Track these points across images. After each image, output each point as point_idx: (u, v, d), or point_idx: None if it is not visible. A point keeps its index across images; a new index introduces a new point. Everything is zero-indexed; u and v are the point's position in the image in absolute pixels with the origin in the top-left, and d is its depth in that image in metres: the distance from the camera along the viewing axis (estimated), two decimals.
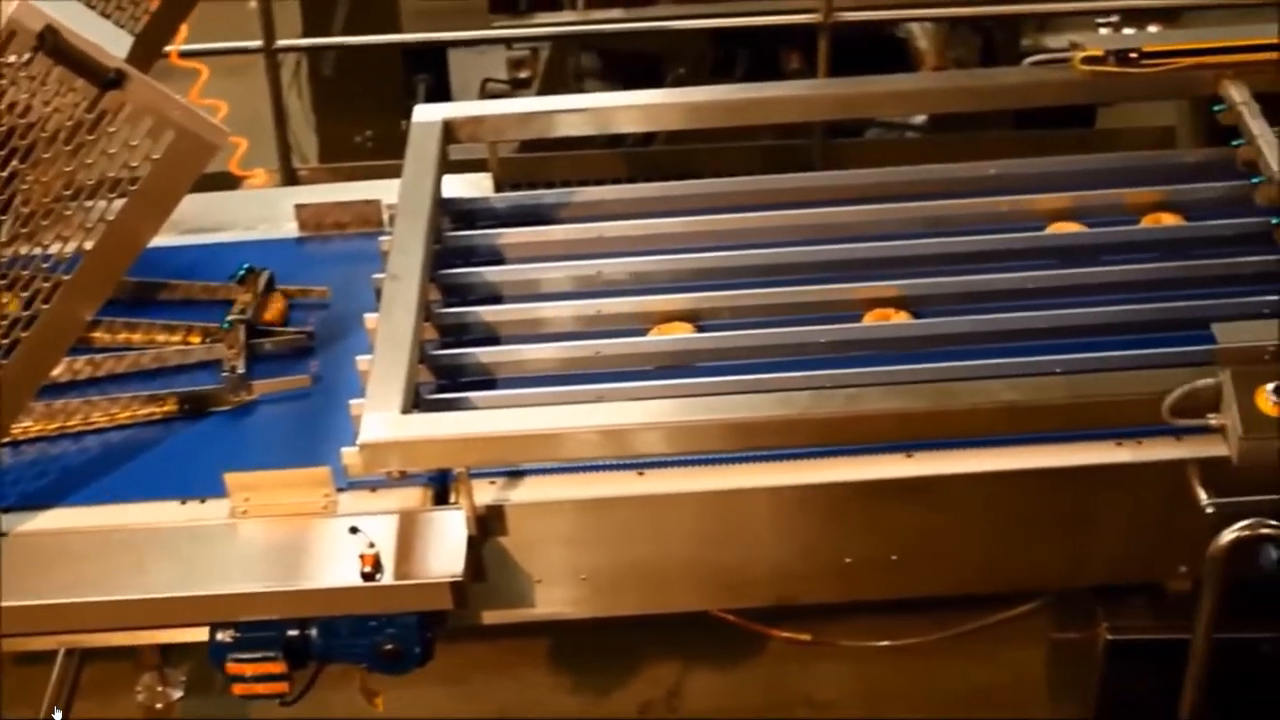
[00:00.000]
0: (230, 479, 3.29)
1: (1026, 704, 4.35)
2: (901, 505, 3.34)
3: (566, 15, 5.54)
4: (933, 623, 4.30)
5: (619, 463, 3.34)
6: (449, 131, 4.02)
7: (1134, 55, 3.95)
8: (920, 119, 5.63)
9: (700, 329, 3.61)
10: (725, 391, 3.34)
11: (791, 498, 3.32)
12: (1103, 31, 4.88)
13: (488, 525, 3.29)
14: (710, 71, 5.63)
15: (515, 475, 3.35)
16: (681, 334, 3.59)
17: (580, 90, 5.61)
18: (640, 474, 3.33)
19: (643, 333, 3.61)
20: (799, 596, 3.54)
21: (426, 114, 4.06)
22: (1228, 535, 3.22)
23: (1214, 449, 3.27)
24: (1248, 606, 3.41)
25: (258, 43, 5.31)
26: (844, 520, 3.36)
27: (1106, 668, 3.57)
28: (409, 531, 3.24)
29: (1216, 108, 3.98)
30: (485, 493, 3.30)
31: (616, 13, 5.41)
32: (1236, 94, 3.94)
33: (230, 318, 3.74)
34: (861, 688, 4.73)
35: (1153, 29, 5.07)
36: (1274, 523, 3.23)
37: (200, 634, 3.21)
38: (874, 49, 5.68)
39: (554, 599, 3.42)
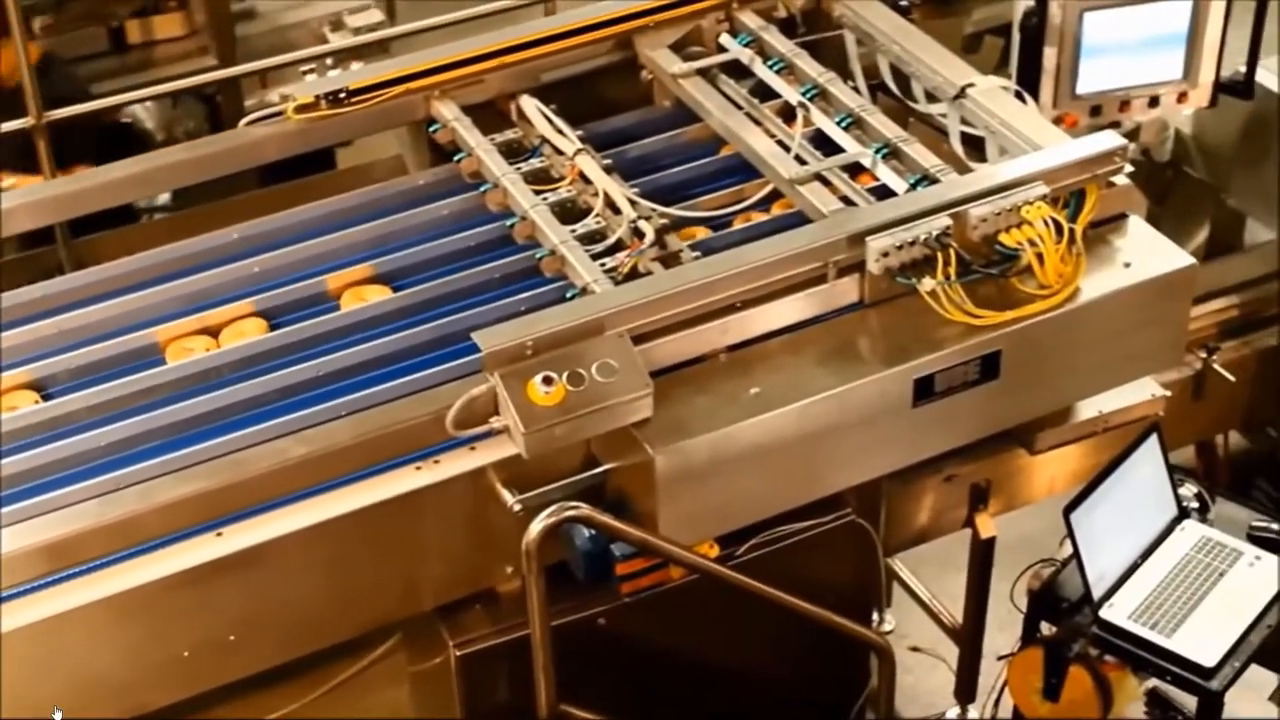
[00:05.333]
0: None
1: None
2: (222, 585, 3.29)
3: None
4: (301, 687, 4.25)
5: None
6: None
7: (344, 95, 4.03)
8: (164, 198, 5.52)
9: None
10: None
11: (105, 610, 3.22)
12: (309, 78, 4.90)
13: None
14: None
15: None
16: None
17: None
18: None
19: None
20: (150, 703, 3.43)
21: None
22: (536, 526, 3.33)
23: (507, 449, 3.39)
24: (579, 586, 3.55)
25: None
26: (167, 617, 3.28)
27: (463, 684, 3.64)
28: None
29: (433, 128, 4.11)
30: None
31: None
32: (447, 111, 4.08)
33: None
34: None
35: (356, 66, 5.17)
36: (576, 504, 3.37)
37: None
38: (106, 140, 5.55)
39: None
